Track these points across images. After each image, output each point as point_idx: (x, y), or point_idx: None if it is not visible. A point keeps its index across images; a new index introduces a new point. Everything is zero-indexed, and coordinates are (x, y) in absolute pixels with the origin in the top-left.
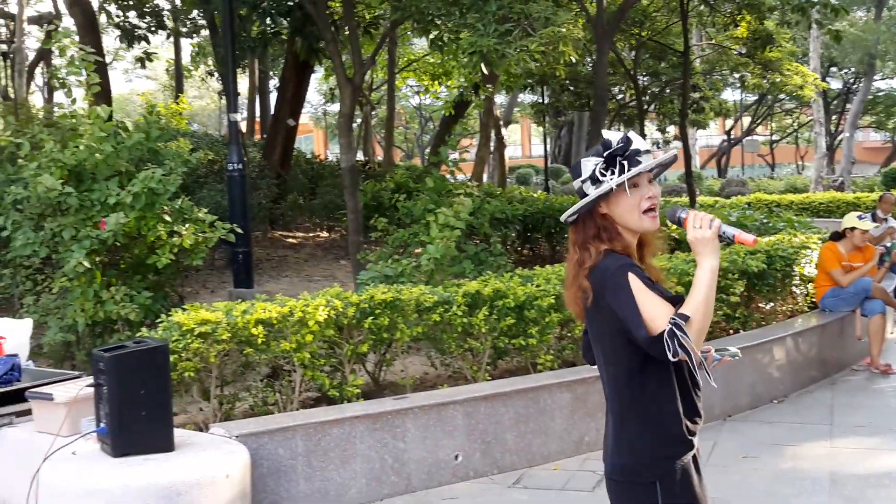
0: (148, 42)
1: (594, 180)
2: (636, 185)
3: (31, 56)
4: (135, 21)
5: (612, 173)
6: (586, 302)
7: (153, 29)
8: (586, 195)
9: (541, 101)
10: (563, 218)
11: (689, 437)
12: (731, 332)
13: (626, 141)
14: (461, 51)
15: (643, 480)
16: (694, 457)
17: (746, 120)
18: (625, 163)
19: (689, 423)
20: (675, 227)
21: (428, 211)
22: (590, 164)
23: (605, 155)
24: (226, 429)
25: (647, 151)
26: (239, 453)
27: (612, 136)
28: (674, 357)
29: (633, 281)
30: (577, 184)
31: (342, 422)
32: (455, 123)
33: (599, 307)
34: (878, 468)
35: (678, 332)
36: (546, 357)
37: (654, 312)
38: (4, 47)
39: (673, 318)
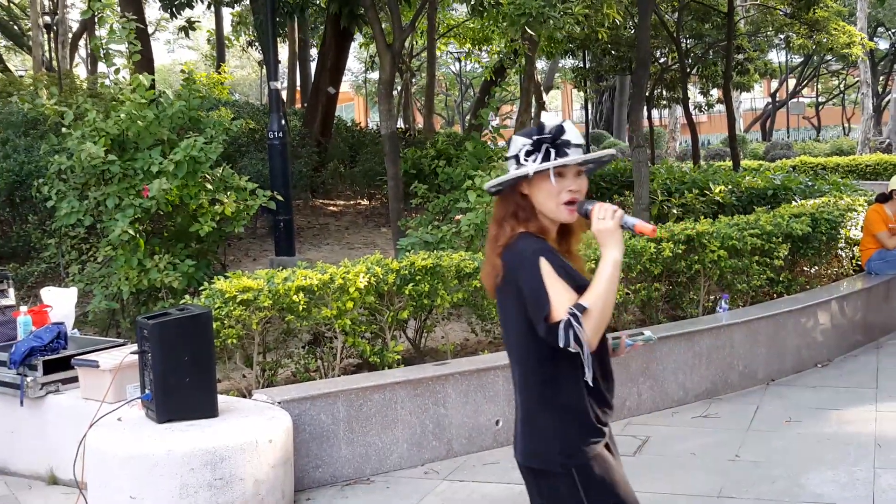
0: (191, 7)
1: (517, 161)
2: (561, 175)
3: (75, 28)
4: None
5: (535, 159)
6: (497, 280)
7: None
8: (508, 172)
9: (582, 65)
10: (485, 187)
11: (600, 426)
12: (776, 295)
13: (559, 130)
14: (503, 16)
15: (559, 469)
16: (607, 444)
17: (792, 82)
18: (552, 150)
19: (598, 413)
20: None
21: (468, 177)
22: (517, 143)
23: (534, 138)
24: (268, 395)
25: (579, 146)
26: (281, 419)
27: (549, 120)
28: (564, 346)
29: (545, 266)
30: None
31: (383, 388)
32: (493, 89)
33: (510, 289)
34: None
35: (574, 323)
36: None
37: (557, 300)
38: (48, 19)
39: (571, 309)
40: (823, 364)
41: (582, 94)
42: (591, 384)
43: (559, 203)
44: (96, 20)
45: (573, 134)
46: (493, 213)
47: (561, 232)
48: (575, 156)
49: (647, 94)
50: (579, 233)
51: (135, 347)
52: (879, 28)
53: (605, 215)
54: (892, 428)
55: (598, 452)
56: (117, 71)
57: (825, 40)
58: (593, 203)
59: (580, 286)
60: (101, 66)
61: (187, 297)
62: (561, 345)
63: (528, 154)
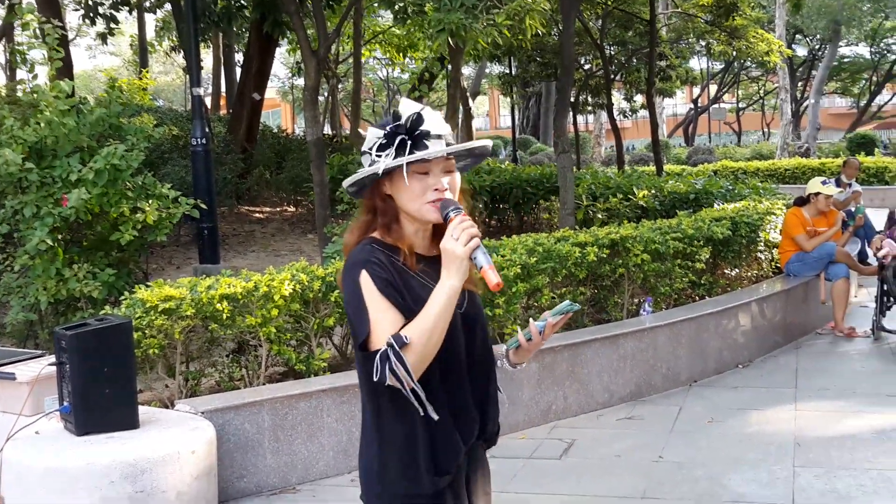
0: (116, 22)
1: (372, 155)
2: (426, 173)
3: None
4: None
5: (388, 154)
6: None
7: (116, 6)
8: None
9: (508, 72)
10: (344, 186)
11: (434, 476)
12: (697, 298)
13: (417, 118)
14: (427, 24)
15: None
16: (443, 493)
17: (713, 88)
18: (408, 143)
19: (434, 457)
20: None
21: None
22: (371, 136)
23: (387, 130)
24: (191, 405)
25: (440, 137)
26: (204, 429)
27: (406, 108)
28: (379, 381)
29: (366, 282)
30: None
31: (309, 395)
32: (418, 96)
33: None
34: (842, 431)
35: (391, 357)
36: (513, 327)
37: (378, 324)
38: None
39: (390, 339)
40: (744, 365)
41: (509, 99)
42: (434, 418)
43: (424, 203)
44: (17, 26)
45: (434, 123)
46: (357, 212)
47: (437, 234)
48: (435, 148)
49: (571, 100)
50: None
51: (53, 359)
52: (797, 35)
53: (459, 236)
54: (810, 427)
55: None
56: (35, 77)
57: (744, 47)
58: (458, 211)
59: (421, 304)
60: (20, 73)
61: (107, 307)
62: (375, 379)
63: (382, 148)
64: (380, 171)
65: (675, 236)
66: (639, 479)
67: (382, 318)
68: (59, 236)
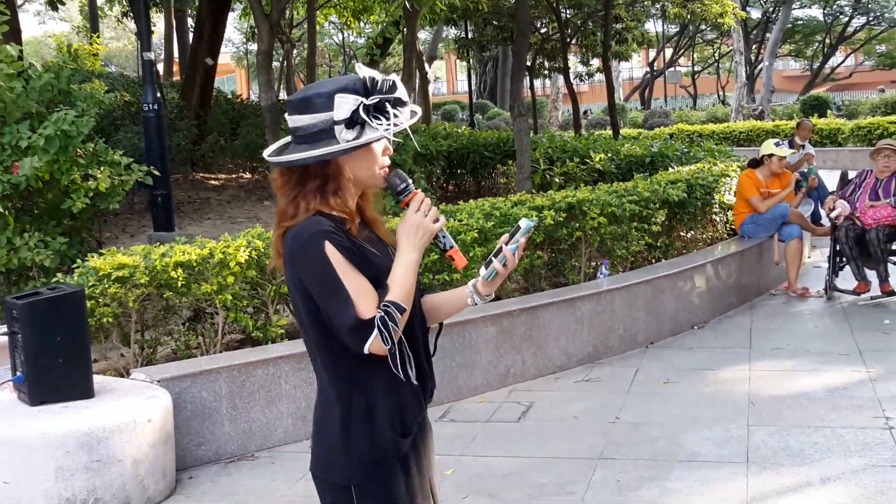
0: None
1: (354, 123)
2: (379, 139)
3: None
4: None
5: (382, 122)
6: (281, 262)
7: None
8: (331, 136)
9: (464, 35)
10: (285, 159)
11: (401, 438)
12: (654, 260)
13: (393, 85)
14: None
15: (338, 483)
16: (407, 455)
17: (669, 52)
18: (394, 111)
19: (402, 419)
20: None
21: None
22: (348, 103)
23: (373, 98)
24: (147, 374)
25: (405, 104)
26: (161, 398)
27: (372, 73)
28: (386, 345)
29: (332, 253)
30: (309, 120)
31: (266, 363)
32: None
33: (291, 275)
34: (794, 389)
35: (390, 323)
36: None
37: (358, 295)
38: None
39: (387, 306)
40: (700, 326)
41: (465, 64)
42: (393, 379)
43: (378, 167)
44: None
45: (403, 90)
46: (279, 182)
47: (362, 200)
48: (410, 115)
49: (528, 63)
50: (371, 197)
51: (4, 329)
52: None
53: (427, 213)
54: (764, 386)
55: (388, 471)
56: None
57: (699, 10)
58: (412, 187)
59: (381, 269)
60: None
61: (60, 275)
62: (368, 348)
63: (377, 116)
64: (387, 137)
65: (632, 199)
66: (596, 439)
67: (361, 286)
68: (10, 204)
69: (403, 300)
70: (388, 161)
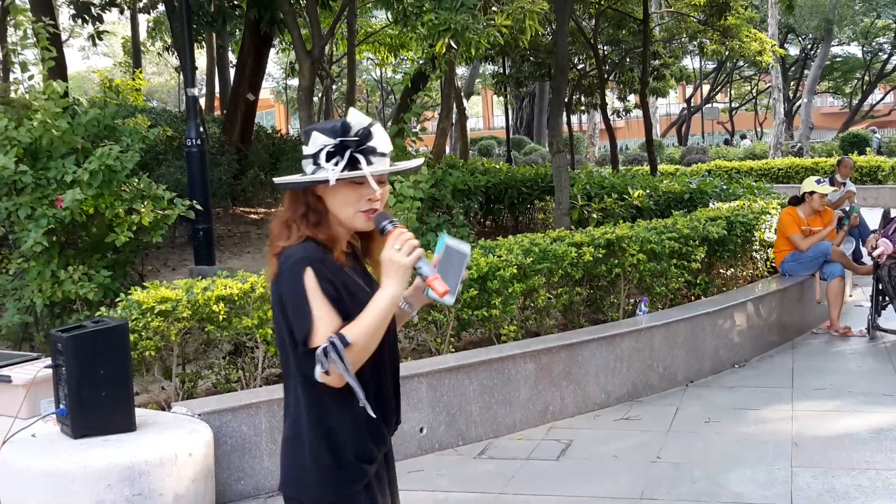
0: (101, 21)
1: (315, 162)
2: (360, 183)
3: None
4: None
5: (336, 163)
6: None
7: (106, 7)
8: (303, 171)
9: (502, 71)
10: (276, 181)
11: (364, 464)
12: (693, 298)
13: (367, 135)
14: (427, 27)
15: (309, 502)
16: (371, 484)
17: (706, 87)
18: (357, 157)
19: (366, 447)
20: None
21: (389, 182)
22: (318, 141)
23: (337, 141)
24: (188, 407)
25: (384, 155)
26: (201, 431)
27: (356, 119)
28: (319, 378)
29: (309, 280)
30: (304, 150)
31: None
32: (416, 95)
33: (276, 296)
34: (838, 430)
35: (332, 353)
36: (510, 328)
37: (317, 323)
38: None
39: (332, 337)
40: (740, 365)
41: (502, 99)
42: (372, 415)
43: (357, 211)
44: (9, 26)
45: (381, 140)
46: (283, 208)
47: (362, 237)
48: (380, 166)
49: (565, 99)
50: (379, 240)
51: (49, 361)
52: (790, 34)
53: (402, 247)
54: (808, 427)
55: (355, 492)
56: (31, 77)
57: (737, 47)
58: (394, 224)
59: (359, 304)
60: (14, 73)
61: (103, 308)
62: (316, 375)
63: (330, 157)
64: (332, 181)
65: (671, 236)
66: (637, 479)
67: (324, 317)
68: (55, 238)
69: (355, 334)
70: (371, 206)
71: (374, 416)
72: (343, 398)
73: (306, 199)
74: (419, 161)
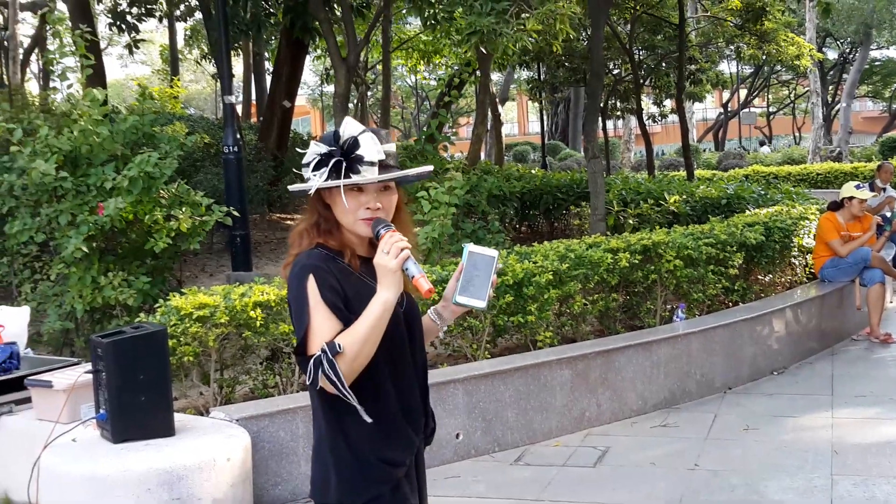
0: (137, 31)
1: (308, 169)
2: (360, 190)
3: (26, 43)
4: (125, 7)
5: (322, 173)
6: None
7: (142, 17)
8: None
9: (537, 77)
10: (290, 188)
11: (389, 471)
12: (731, 304)
13: (354, 143)
14: (456, 31)
15: None
16: (400, 484)
17: (743, 92)
18: (342, 165)
19: (388, 452)
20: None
21: (424, 188)
22: (312, 150)
23: (324, 152)
24: (226, 412)
25: (374, 164)
26: (239, 436)
27: (349, 128)
28: (312, 383)
29: (311, 287)
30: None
31: None
32: (448, 102)
33: (288, 303)
34: (879, 438)
35: (324, 363)
36: (546, 334)
37: (316, 330)
38: None
39: (324, 346)
40: (779, 371)
41: (537, 105)
42: (379, 415)
43: (357, 219)
44: (49, 34)
45: (369, 149)
46: (302, 216)
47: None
48: (367, 175)
49: (601, 105)
50: None
51: (89, 367)
52: (828, 38)
53: (389, 250)
54: (848, 434)
55: (381, 494)
56: (70, 85)
57: (774, 51)
58: (388, 228)
59: (363, 303)
60: (54, 81)
61: (142, 314)
62: (308, 382)
63: (317, 166)
64: (311, 190)
65: (708, 242)
66: (674, 487)
67: (321, 325)
68: (95, 244)
69: (347, 341)
70: (370, 214)
71: (368, 419)
72: (362, 402)
73: (317, 207)
74: (427, 168)
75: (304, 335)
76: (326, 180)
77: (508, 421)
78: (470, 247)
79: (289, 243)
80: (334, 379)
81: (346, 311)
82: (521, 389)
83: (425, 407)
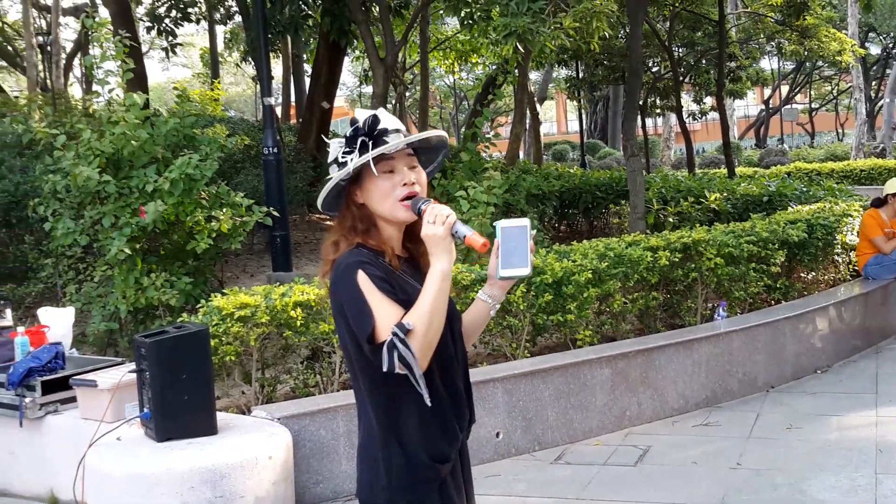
0: (174, 36)
1: (337, 163)
2: (391, 171)
3: (69, 47)
4: (163, 12)
5: (353, 156)
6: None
7: (178, 21)
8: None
9: (575, 76)
10: (318, 204)
11: (437, 464)
12: (773, 302)
13: (373, 119)
14: (494, 30)
15: None
16: (446, 482)
17: (784, 88)
18: (369, 142)
19: (438, 446)
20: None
21: (463, 188)
22: (334, 146)
23: (346, 135)
24: (267, 411)
25: (397, 131)
26: (281, 435)
27: (361, 114)
28: (389, 370)
29: (363, 281)
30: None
31: None
32: (489, 101)
33: (334, 305)
34: None
35: (399, 344)
36: (585, 332)
37: (381, 318)
38: (42, 39)
39: (394, 329)
40: (823, 370)
41: (576, 104)
42: (430, 406)
43: (396, 200)
44: (90, 39)
45: (389, 120)
46: (331, 230)
47: (412, 238)
48: (396, 141)
49: (640, 103)
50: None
51: (133, 366)
52: (871, 33)
53: (434, 219)
54: (892, 433)
55: (427, 496)
56: (112, 90)
57: (816, 47)
58: (427, 202)
59: (413, 302)
60: (96, 85)
61: (185, 314)
62: (385, 368)
63: (346, 153)
64: (350, 171)
65: (749, 239)
66: (717, 486)
67: (385, 311)
68: (138, 246)
69: (414, 319)
70: (410, 190)
71: (429, 403)
72: (411, 398)
73: (350, 210)
74: (440, 131)
75: (371, 324)
76: (361, 156)
77: (548, 420)
78: (501, 223)
79: (322, 256)
80: (409, 360)
81: (400, 298)
82: (560, 388)
83: (469, 399)
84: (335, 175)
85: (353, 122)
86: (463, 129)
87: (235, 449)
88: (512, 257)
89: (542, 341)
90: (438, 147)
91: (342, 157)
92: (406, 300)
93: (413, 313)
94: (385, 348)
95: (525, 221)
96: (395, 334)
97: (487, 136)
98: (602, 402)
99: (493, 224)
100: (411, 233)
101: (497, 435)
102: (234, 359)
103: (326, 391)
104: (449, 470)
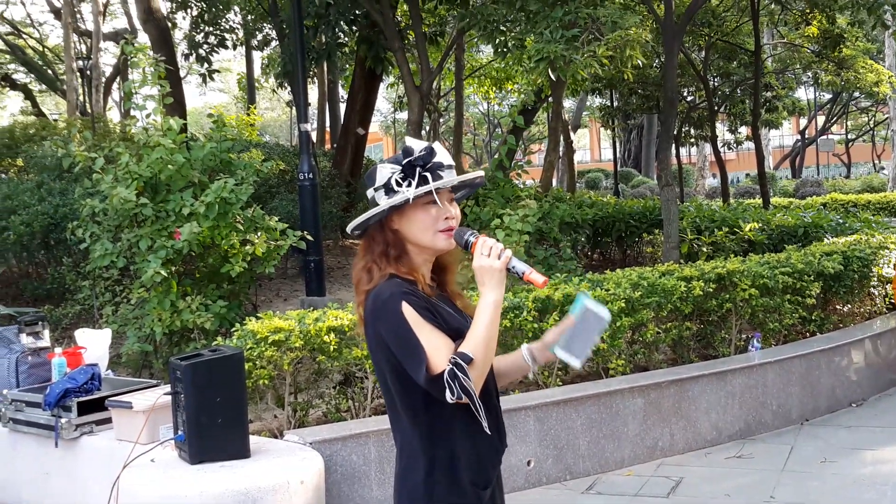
0: (209, 63)
1: (388, 189)
2: (435, 203)
3: (108, 72)
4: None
5: (410, 184)
6: (364, 328)
7: (214, 49)
8: (377, 205)
9: (609, 104)
10: (348, 228)
11: (477, 489)
12: (808, 334)
13: (430, 151)
14: (527, 57)
15: None
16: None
17: (821, 119)
18: (426, 174)
19: (478, 472)
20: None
21: (497, 216)
22: (386, 171)
23: (404, 163)
24: (300, 435)
25: (451, 167)
26: (313, 460)
27: (415, 143)
28: (454, 400)
29: (409, 312)
30: (369, 193)
31: None
32: (523, 129)
33: (373, 337)
34: None
35: (459, 374)
36: (618, 362)
37: (432, 350)
38: (81, 63)
39: (454, 358)
40: (858, 403)
41: (610, 132)
42: (478, 431)
43: (436, 231)
44: (129, 64)
45: (444, 155)
46: (359, 255)
47: (435, 269)
48: (450, 177)
49: (674, 132)
50: (455, 267)
51: (168, 388)
52: None
53: (489, 252)
54: None
55: None
56: (148, 115)
57: (853, 78)
58: (476, 235)
59: (454, 329)
60: (134, 110)
61: (219, 338)
62: (450, 399)
63: (402, 181)
64: (411, 199)
65: (785, 271)
66: None
67: (436, 342)
68: (173, 268)
69: (472, 349)
70: (450, 224)
71: (489, 432)
72: (456, 424)
73: (383, 236)
74: (480, 172)
75: (424, 358)
76: (418, 188)
77: (580, 449)
78: (587, 301)
79: (354, 282)
80: (470, 389)
81: (444, 327)
82: (592, 417)
83: (502, 424)
84: (386, 201)
85: (408, 151)
86: (496, 157)
87: (268, 473)
88: (575, 342)
89: (574, 370)
90: (474, 185)
91: (397, 186)
92: (451, 328)
93: (468, 343)
94: (446, 378)
95: (607, 315)
96: (456, 364)
97: (520, 163)
98: (634, 432)
99: (579, 293)
100: (437, 261)
101: (528, 463)
102: (268, 382)
103: (358, 416)
104: (489, 497)
